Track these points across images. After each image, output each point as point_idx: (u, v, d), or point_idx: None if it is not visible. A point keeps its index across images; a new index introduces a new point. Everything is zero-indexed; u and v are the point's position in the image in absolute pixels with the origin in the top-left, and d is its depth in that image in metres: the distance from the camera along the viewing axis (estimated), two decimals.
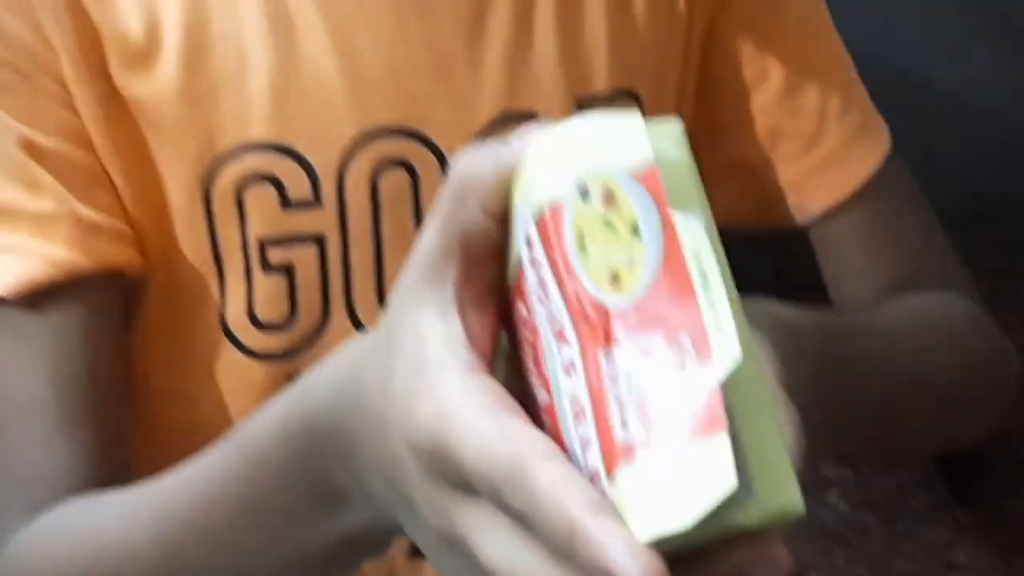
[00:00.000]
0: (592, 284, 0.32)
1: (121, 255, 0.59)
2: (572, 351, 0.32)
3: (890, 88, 0.86)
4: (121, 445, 0.59)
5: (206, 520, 0.47)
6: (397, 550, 0.64)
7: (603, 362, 0.31)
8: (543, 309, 0.33)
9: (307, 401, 0.43)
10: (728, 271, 0.32)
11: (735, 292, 0.32)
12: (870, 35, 1.35)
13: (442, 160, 0.60)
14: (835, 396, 0.50)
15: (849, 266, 0.69)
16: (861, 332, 0.60)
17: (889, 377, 0.58)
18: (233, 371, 0.61)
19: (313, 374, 0.43)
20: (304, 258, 0.60)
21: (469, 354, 0.35)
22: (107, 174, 0.59)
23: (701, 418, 0.30)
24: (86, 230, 0.58)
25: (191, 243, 0.60)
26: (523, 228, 0.34)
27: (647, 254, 0.32)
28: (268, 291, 0.60)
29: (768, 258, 1.00)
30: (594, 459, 0.31)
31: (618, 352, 0.31)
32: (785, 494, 0.31)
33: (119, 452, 0.59)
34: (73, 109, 0.58)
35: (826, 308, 0.69)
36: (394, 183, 0.60)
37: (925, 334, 0.64)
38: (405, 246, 0.58)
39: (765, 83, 0.68)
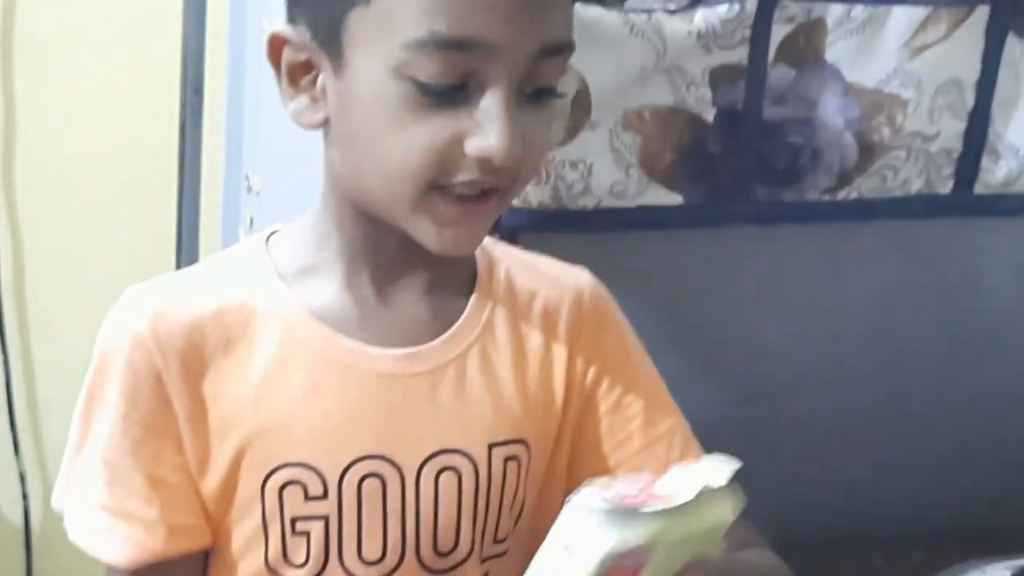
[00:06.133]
0: None
1: (197, 543, 0.98)
2: None
3: None
4: None
5: None
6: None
7: None
8: None
9: None
10: None
11: None
12: None
13: (400, 473, 1.00)
14: None
15: None
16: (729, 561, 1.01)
17: None
18: None
19: None
20: (316, 529, 0.98)
21: None
22: (199, 491, 0.97)
23: None
24: (176, 531, 0.97)
25: (251, 519, 0.98)
26: None
27: None
28: (294, 546, 0.98)
29: None
30: None
31: None
32: None
33: None
34: (184, 453, 0.96)
35: None
36: (372, 487, 0.98)
37: (756, 562, 1.05)
38: (377, 527, 0.99)
39: (630, 443, 1.06)
